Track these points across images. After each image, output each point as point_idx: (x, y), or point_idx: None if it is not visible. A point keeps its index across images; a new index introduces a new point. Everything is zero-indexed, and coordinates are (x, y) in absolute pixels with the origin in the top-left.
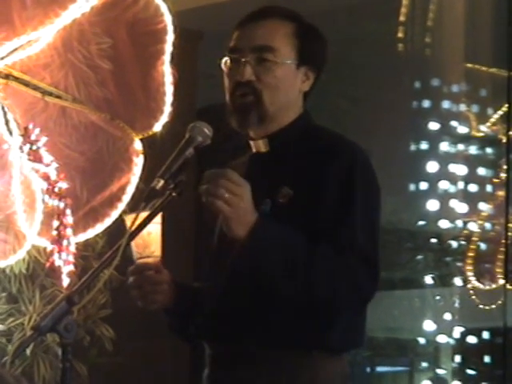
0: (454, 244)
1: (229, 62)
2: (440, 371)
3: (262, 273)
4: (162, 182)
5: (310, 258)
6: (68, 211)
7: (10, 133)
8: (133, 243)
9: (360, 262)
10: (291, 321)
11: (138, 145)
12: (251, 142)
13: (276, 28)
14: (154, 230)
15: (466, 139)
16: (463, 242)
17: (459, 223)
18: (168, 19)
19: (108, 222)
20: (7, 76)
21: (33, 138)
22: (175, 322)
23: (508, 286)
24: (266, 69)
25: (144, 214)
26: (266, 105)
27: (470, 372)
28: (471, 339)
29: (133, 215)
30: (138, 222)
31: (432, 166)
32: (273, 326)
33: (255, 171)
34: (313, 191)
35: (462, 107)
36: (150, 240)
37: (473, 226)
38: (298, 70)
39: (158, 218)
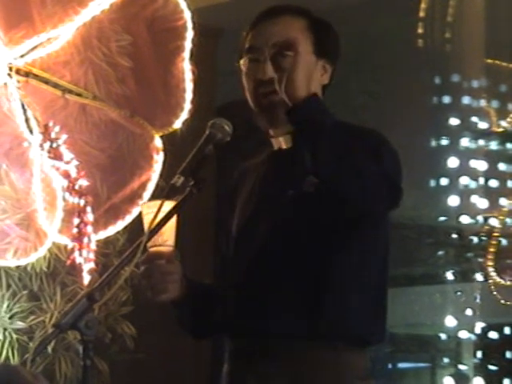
0: (475, 239)
1: (247, 61)
2: (461, 367)
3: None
4: (182, 179)
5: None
6: (88, 209)
7: (31, 131)
8: (147, 231)
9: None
10: (317, 312)
11: (158, 142)
12: (272, 140)
13: (291, 24)
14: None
15: (487, 135)
16: (484, 238)
17: (480, 219)
18: (187, 16)
19: (129, 218)
20: (27, 74)
21: (53, 135)
22: (183, 316)
23: None
24: (287, 64)
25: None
26: (291, 98)
27: (492, 367)
28: (492, 335)
29: (149, 205)
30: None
31: (453, 162)
32: (299, 317)
33: (277, 167)
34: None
35: (482, 103)
36: (164, 228)
37: (494, 222)
38: (317, 63)
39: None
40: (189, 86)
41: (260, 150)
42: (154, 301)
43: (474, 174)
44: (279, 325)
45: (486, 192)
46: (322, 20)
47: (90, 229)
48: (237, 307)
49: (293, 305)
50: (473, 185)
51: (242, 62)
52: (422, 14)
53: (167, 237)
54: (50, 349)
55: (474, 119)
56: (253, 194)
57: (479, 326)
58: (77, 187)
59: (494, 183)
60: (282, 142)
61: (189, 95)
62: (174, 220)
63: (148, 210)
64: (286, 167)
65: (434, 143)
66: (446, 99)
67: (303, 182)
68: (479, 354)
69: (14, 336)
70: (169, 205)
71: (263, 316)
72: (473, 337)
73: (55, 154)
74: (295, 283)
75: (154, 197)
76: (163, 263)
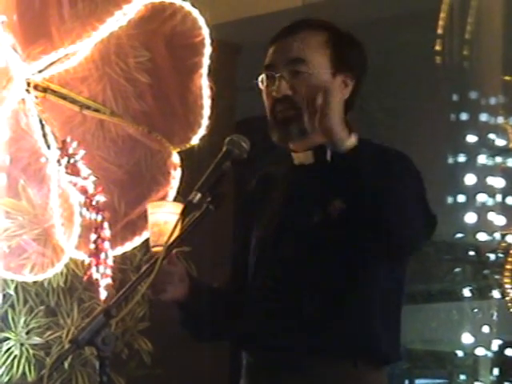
0: (492, 256)
1: (265, 78)
2: None
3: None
4: (199, 195)
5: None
6: (105, 224)
7: (48, 146)
8: (150, 231)
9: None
10: (339, 329)
11: (175, 158)
12: (293, 154)
13: (307, 39)
14: (172, 219)
15: (504, 152)
16: (501, 255)
17: (497, 236)
18: (206, 32)
19: (146, 234)
20: (45, 89)
21: (70, 151)
22: (188, 317)
23: None
24: (301, 81)
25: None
26: (305, 117)
27: None
28: (509, 352)
29: (154, 205)
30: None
31: (470, 179)
32: (320, 334)
33: (302, 183)
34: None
35: (500, 120)
36: (167, 229)
37: (511, 239)
38: (335, 78)
39: (177, 209)
40: (206, 102)
41: (279, 160)
42: (170, 317)
43: (491, 191)
44: (301, 341)
45: (503, 209)
46: (344, 33)
47: (107, 244)
48: (257, 321)
49: (315, 322)
50: (490, 202)
51: (260, 78)
52: (440, 31)
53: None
54: (66, 364)
55: (492, 136)
56: (276, 209)
57: (496, 343)
58: (94, 203)
59: (511, 200)
60: (304, 158)
61: (206, 111)
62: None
63: (152, 209)
64: (311, 185)
65: (451, 160)
66: (464, 116)
67: (329, 206)
68: (496, 371)
69: (31, 351)
70: (178, 207)
71: (284, 332)
72: (490, 354)
73: (73, 170)
74: (317, 301)
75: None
76: (164, 263)
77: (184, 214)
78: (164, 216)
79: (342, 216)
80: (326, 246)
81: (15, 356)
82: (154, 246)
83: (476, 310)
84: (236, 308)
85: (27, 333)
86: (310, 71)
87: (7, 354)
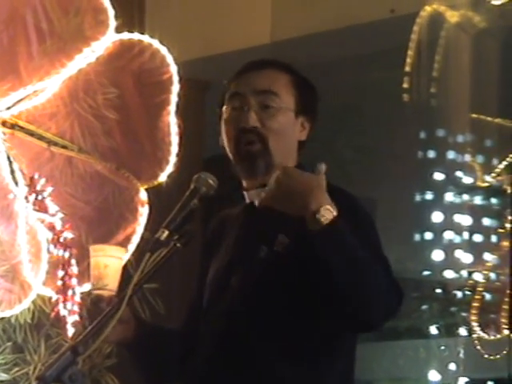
0: (459, 294)
1: (230, 109)
2: None
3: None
4: (166, 233)
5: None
6: (73, 261)
7: (16, 183)
8: (91, 273)
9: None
10: (293, 374)
11: (143, 195)
12: (244, 193)
13: (275, 77)
14: (111, 263)
15: (471, 189)
16: (468, 292)
17: (464, 273)
18: (174, 69)
19: None
20: (13, 126)
21: (38, 187)
22: (134, 360)
23: None
24: (270, 115)
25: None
26: (272, 152)
27: None
28: None
29: (95, 248)
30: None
31: (437, 216)
32: (274, 379)
33: (250, 221)
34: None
35: (468, 157)
36: (106, 273)
37: (478, 276)
38: (297, 119)
39: (119, 253)
40: (174, 139)
41: (239, 201)
42: None
43: (458, 229)
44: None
45: (470, 247)
46: (305, 78)
47: (74, 281)
48: (200, 366)
49: (266, 370)
50: (457, 239)
51: (223, 109)
52: (407, 69)
53: (108, 281)
54: None
55: (459, 174)
56: (227, 249)
57: (463, 381)
58: (62, 239)
59: (478, 238)
60: (253, 195)
61: (174, 148)
62: (118, 265)
63: (94, 252)
64: (258, 223)
65: (418, 197)
66: (431, 153)
67: (274, 242)
68: None
69: None
70: (119, 251)
71: (236, 377)
72: None
73: (40, 207)
74: (258, 344)
75: (138, 249)
76: (104, 307)
77: (148, 249)
78: (104, 260)
79: (286, 251)
80: (272, 283)
81: None
82: (93, 290)
83: (443, 348)
84: (186, 353)
85: None
86: (280, 106)
87: None
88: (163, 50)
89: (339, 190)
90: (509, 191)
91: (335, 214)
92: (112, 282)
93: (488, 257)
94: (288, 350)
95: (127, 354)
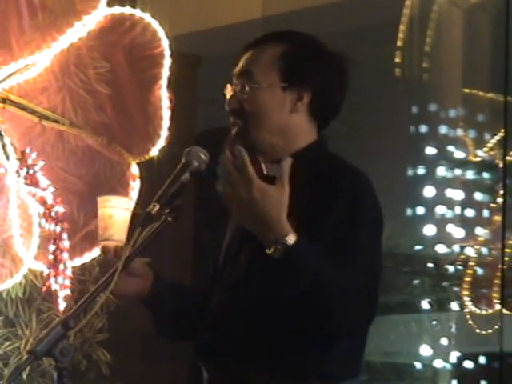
0: (451, 269)
1: (228, 91)
2: None
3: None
4: (157, 207)
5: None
6: (64, 235)
7: (7, 157)
8: (98, 225)
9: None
10: (290, 347)
11: (134, 169)
12: (263, 165)
13: (261, 53)
14: (116, 213)
15: (463, 164)
16: (460, 267)
17: (456, 248)
18: (165, 44)
19: None
20: (4, 100)
21: (30, 162)
22: (152, 314)
23: (504, 311)
24: (246, 96)
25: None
26: (252, 131)
27: None
28: (468, 364)
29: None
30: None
31: (429, 191)
32: (272, 351)
33: None
34: (315, 223)
35: (460, 132)
36: (111, 223)
37: (470, 251)
38: (285, 92)
39: (124, 203)
40: (166, 113)
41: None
42: (129, 328)
43: (450, 204)
44: (254, 358)
45: (462, 221)
46: (304, 45)
47: (65, 255)
48: (213, 333)
49: (263, 341)
50: (449, 214)
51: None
52: (399, 44)
53: (114, 231)
54: (24, 375)
55: (451, 148)
56: (238, 223)
57: (454, 355)
58: (53, 214)
59: (470, 212)
60: (266, 170)
61: (166, 123)
62: (124, 215)
63: (100, 204)
64: None
65: (410, 172)
66: (423, 128)
67: None
68: (454, 383)
69: None
70: (122, 201)
71: (239, 347)
72: (448, 366)
73: (32, 181)
74: (265, 322)
75: (130, 224)
76: (110, 257)
77: (139, 223)
78: (109, 210)
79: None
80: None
81: None
82: (100, 241)
83: (435, 322)
84: (202, 311)
85: None
86: (255, 85)
87: None
88: (155, 24)
89: (348, 174)
90: (500, 166)
91: (291, 243)
92: (118, 232)
93: (480, 231)
94: (290, 327)
95: (145, 308)
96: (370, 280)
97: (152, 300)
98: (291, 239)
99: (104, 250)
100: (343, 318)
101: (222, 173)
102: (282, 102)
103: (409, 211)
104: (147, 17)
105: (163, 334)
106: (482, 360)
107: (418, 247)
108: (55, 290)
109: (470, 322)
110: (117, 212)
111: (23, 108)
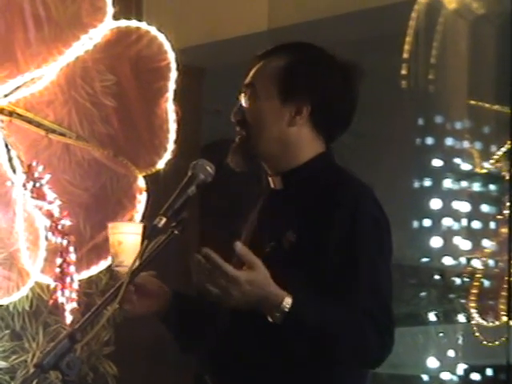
0: (458, 281)
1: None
2: None
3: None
4: (164, 220)
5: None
6: (71, 248)
7: (14, 170)
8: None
9: (369, 326)
10: (299, 373)
11: (141, 182)
12: (269, 178)
13: (265, 66)
14: (125, 239)
15: (470, 176)
16: (466, 279)
17: (463, 260)
18: (171, 56)
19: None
20: (11, 113)
21: (36, 175)
22: (170, 331)
23: (511, 323)
24: (248, 107)
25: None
26: (252, 142)
27: None
28: (475, 376)
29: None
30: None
31: (435, 203)
32: (274, 376)
33: (269, 208)
34: (315, 241)
35: (466, 144)
36: (121, 249)
37: (476, 263)
38: (284, 105)
39: (134, 229)
40: (172, 126)
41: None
42: (136, 341)
43: (456, 216)
44: (251, 375)
45: (468, 233)
46: (306, 57)
47: (72, 268)
48: (218, 351)
49: (277, 372)
50: (455, 226)
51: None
52: (405, 55)
53: (124, 257)
54: None
55: (457, 160)
56: (249, 231)
57: (461, 368)
58: (60, 227)
59: (476, 224)
60: (275, 182)
61: (172, 136)
62: (133, 240)
63: (110, 230)
64: (277, 210)
65: (416, 184)
66: (430, 140)
67: (283, 237)
68: None
69: None
70: (132, 226)
71: (244, 368)
72: (455, 378)
73: (38, 194)
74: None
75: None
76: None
77: (146, 236)
78: (118, 237)
79: (293, 249)
80: (275, 277)
81: None
82: (113, 267)
83: (441, 334)
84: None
85: None
86: (256, 97)
87: None
88: (161, 37)
89: (350, 188)
90: (507, 177)
91: (288, 307)
92: (128, 258)
93: (486, 243)
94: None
95: (163, 325)
96: (377, 306)
97: (169, 319)
98: (287, 303)
99: (115, 277)
100: (356, 359)
101: (197, 271)
102: (280, 115)
103: (415, 223)
104: (153, 30)
105: (186, 352)
106: (489, 372)
107: (424, 259)
108: (62, 303)
109: (477, 334)
110: (126, 238)
111: (29, 121)
